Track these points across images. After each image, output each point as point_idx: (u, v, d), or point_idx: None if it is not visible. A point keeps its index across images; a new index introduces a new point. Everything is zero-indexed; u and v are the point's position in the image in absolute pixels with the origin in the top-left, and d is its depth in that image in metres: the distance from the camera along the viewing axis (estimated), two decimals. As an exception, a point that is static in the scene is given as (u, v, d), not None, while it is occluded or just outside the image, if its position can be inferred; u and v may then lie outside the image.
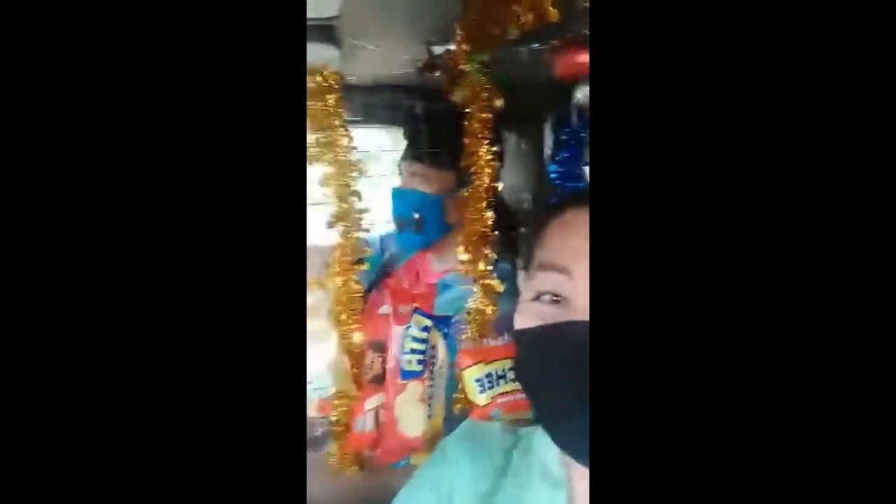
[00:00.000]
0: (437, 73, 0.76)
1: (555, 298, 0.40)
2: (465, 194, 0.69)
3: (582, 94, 0.65)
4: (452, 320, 0.72)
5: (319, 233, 0.64)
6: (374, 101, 0.86)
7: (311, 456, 0.65)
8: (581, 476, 0.43)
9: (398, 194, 0.86)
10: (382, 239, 1.02)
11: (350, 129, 0.64)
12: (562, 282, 0.39)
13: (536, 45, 0.68)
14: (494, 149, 0.69)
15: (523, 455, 0.49)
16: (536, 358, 0.42)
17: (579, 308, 0.39)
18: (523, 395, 0.66)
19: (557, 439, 0.41)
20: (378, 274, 0.96)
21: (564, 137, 0.74)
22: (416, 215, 0.82)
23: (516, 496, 0.46)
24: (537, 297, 0.41)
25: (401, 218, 0.85)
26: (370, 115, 0.91)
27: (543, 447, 0.46)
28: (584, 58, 0.58)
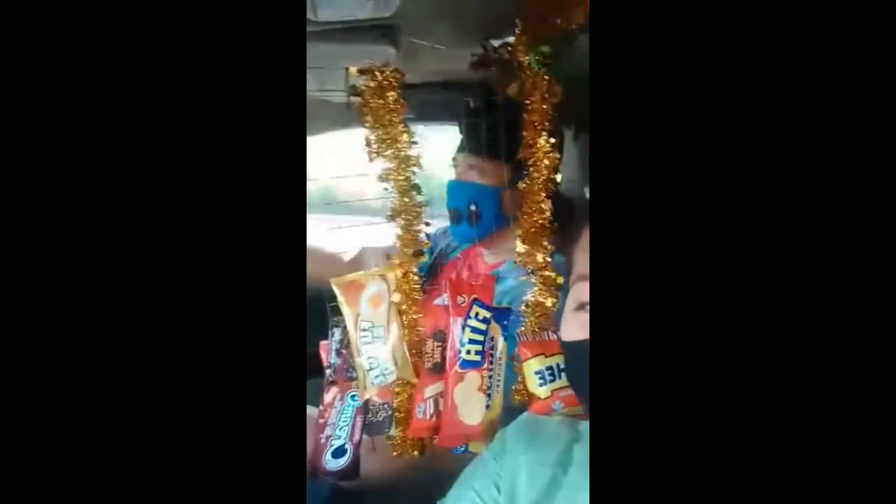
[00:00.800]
0: (492, 69, 0.77)
1: None
2: (523, 186, 0.69)
3: None
4: (511, 313, 0.73)
5: (380, 227, 0.66)
6: (429, 99, 0.87)
7: (374, 440, 0.68)
8: None
9: (454, 187, 0.87)
10: (433, 236, 1.04)
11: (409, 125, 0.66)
12: None
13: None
14: (553, 140, 0.68)
15: (585, 450, 0.48)
16: (585, 370, 0.42)
17: None
18: (584, 389, 0.66)
19: None
20: (430, 268, 0.98)
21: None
22: (473, 207, 0.83)
23: (579, 489, 0.46)
24: (580, 308, 0.41)
25: (456, 210, 0.86)
26: (426, 113, 0.92)
27: None
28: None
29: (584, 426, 0.51)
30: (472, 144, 0.85)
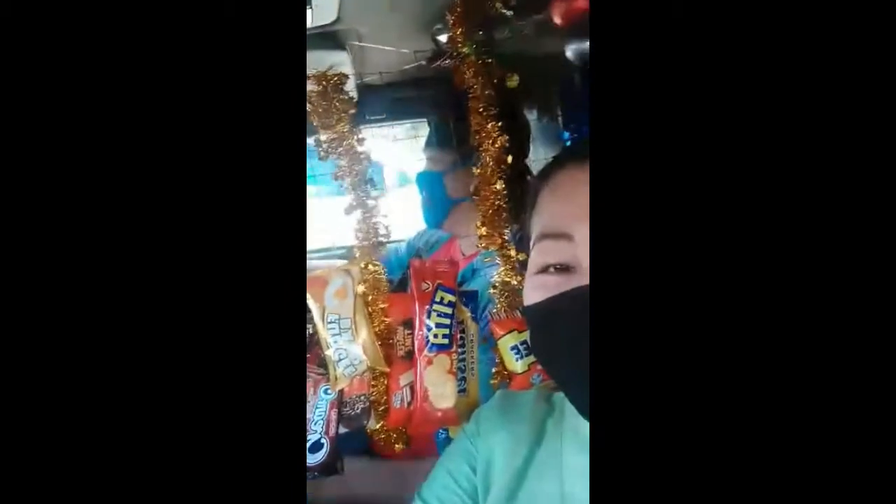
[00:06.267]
0: (446, 62, 0.79)
1: (559, 267, 0.39)
2: (477, 171, 0.71)
3: (577, 53, 0.64)
4: (479, 296, 0.74)
5: (340, 222, 0.69)
6: (392, 98, 0.90)
7: (351, 433, 0.69)
8: None
9: (417, 178, 0.91)
10: (410, 241, 1.07)
11: (371, 127, 0.69)
12: (565, 248, 0.39)
13: (538, 15, 0.68)
14: (500, 124, 0.70)
15: (557, 422, 0.48)
16: (548, 331, 0.41)
17: (586, 272, 0.37)
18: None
19: (581, 407, 0.40)
20: (407, 269, 1.01)
21: (572, 101, 0.74)
22: (424, 194, 0.86)
23: (551, 463, 0.45)
24: (543, 270, 0.40)
25: (422, 200, 0.90)
26: (392, 112, 0.95)
27: (577, 413, 0.44)
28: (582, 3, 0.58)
29: (558, 398, 0.51)
30: (430, 137, 0.89)
